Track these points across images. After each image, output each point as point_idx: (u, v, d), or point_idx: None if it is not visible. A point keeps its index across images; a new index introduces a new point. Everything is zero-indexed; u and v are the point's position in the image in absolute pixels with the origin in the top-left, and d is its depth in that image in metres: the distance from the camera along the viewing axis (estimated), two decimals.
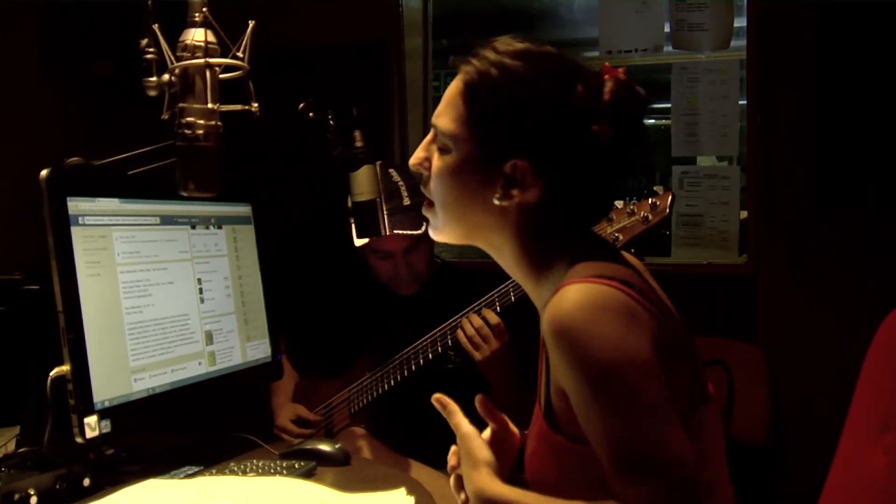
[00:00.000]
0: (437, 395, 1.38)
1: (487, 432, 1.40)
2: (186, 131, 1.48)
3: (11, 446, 1.81)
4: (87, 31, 3.18)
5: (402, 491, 1.60)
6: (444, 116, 1.32)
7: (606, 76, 1.28)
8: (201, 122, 1.48)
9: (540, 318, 1.31)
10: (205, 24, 1.49)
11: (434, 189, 1.35)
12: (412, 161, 1.38)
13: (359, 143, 1.94)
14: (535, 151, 1.26)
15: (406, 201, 2.37)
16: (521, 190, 1.26)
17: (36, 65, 3.19)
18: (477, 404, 1.39)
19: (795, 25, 3.00)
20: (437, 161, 1.33)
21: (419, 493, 1.61)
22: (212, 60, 1.48)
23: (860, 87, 2.92)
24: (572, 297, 1.15)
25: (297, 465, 1.72)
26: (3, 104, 3.04)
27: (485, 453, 1.30)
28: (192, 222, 1.82)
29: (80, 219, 1.54)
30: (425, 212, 1.40)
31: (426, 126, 3.65)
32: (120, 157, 1.68)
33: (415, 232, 2.35)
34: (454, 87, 1.32)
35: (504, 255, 1.35)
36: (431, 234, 1.41)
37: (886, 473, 1.30)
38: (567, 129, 1.25)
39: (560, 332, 1.14)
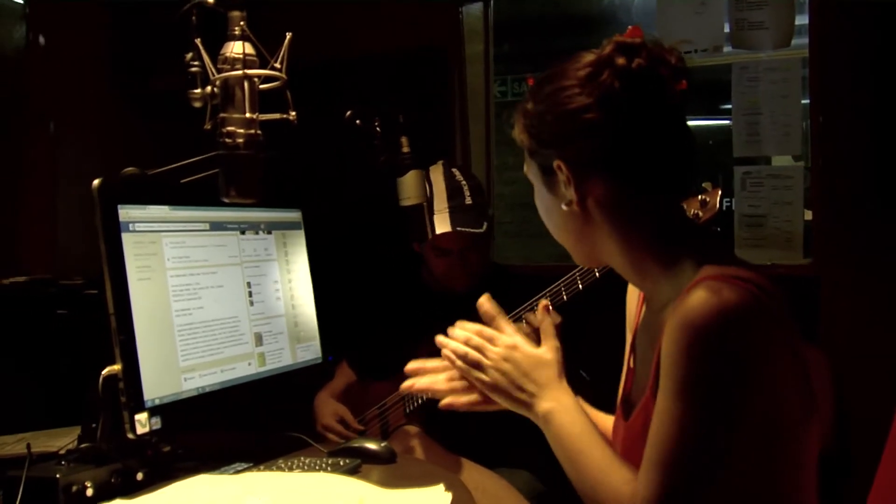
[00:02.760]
0: (482, 300, 1.47)
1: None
2: (227, 140, 1.55)
3: (72, 445, 1.90)
4: (151, 48, 3.31)
5: (441, 487, 1.63)
6: (524, 163, 1.43)
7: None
8: (241, 130, 1.55)
9: (652, 314, 1.37)
10: (243, 38, 1.55)
11: (544, 221, 1.44)
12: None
13: (405, 149, 1.99)
14: (563, 144, 1.32)
15: (468, 200, 2.43)
16: (574, 186, 1.31)
17: (104, 80, 3.33)
18: (539, 312, 1.47)
19: (857, 22, 2.94)
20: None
21: (458, 489, 1.64)
22: (250, 72, 1.54)
23: None
24: (706, 296, 1.17)
25: (342, 463, 1.77)
26: (74, 117, 3.19)
27: (554, 355, 1.38)
28: (242, 228, 1.89)
29: (130, 225, 1.62)
30: None
31: (488, 132, 3.68)
32: (172, 166, 1.76)
33: (476, 230, 2.41)
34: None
35: (617, 263, 1.38)
36: (578, 264, 1.52)
37: None
38: (572, 106, 1.29)
39: (686, 331, 1.16)
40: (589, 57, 1.32)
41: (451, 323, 2.53)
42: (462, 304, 2.55)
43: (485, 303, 1.48)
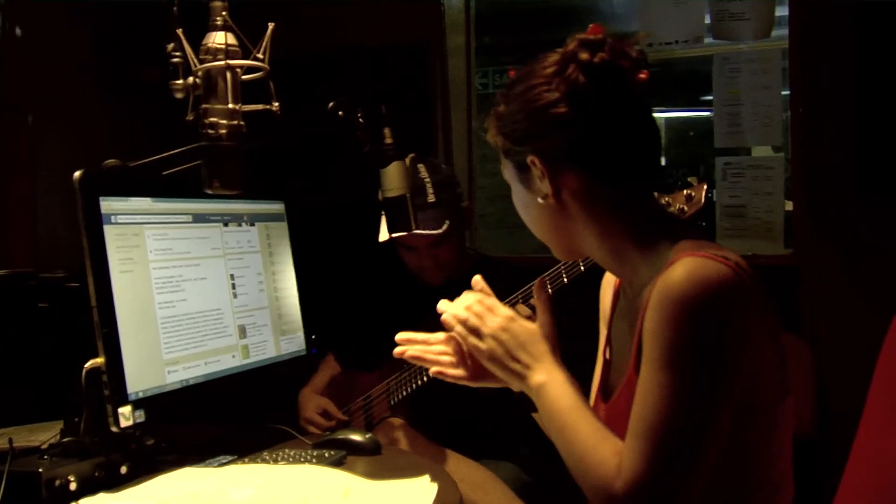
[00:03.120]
0: (475, 279, 1.51)
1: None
2: (210, 131, 1.53)
3: (54, 440, 1.89)
4: (134, 41, 3.29)
5: (426, 478, 1.63)
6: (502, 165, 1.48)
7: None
8: (224, 121, 1.54)
9: (630, 299, 1.41)
10: (226, 28, 1.54)
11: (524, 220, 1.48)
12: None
13: (388, 140, 1.98)
14: (532, 139, 1.36)
15: (431, 198, 2.41)
16: (549, 180, 1.36)
17: (87, 73, 3.31)
18: (535, 289, 1.50)
19: (837, 13, 2.96)
20: None
21: (443, 480, 1.64)
22: (232, 62, 1.53)
23: None
24: (687, 269, 1.21)
25: (327, 455, 1.77)
26: (55, 110, 3.16)
27: (550, 330, 1.41)
28: (225, 220, 1.88)
29: (112, 217, 1.61)
30: None
31: (470, 124, 3.68)
32: (154, 158, 1.74)
33: (435, 232, 2.38)
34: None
35: (596, 252, 1.42)
36: (558, 258, 1.53)
37: None
38: (540, 102, 1.34)
39: (669, 302, 1.20)
40: (554, 56, 1.37)
41: (437, 314, 2.54)
42: (447, 295, 2.56)
43: (479, 282, 1.51)
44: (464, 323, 1.45)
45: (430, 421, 2.48)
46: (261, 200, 1.99)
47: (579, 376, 1.48)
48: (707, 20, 3.22)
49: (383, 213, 2.13)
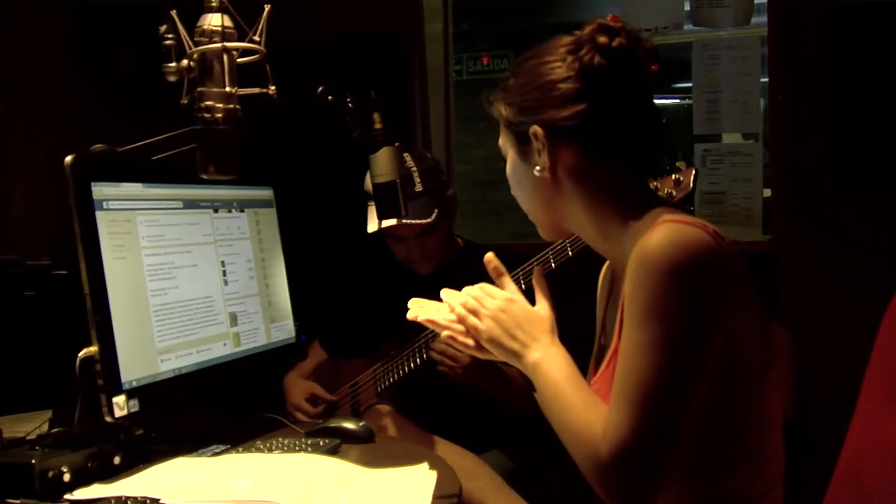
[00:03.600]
0: (488, 256, 1.51)
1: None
2: (205, 115, 1.51)
3: (45, 428, 1.86)
4: (109, 26, 3.23)
5: (425, 466, 1.62)
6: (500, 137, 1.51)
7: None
8: (220, 105, 1.51)
9: (620, 280, 1.42)
10: (221, 9, 1.51)
11: (516, 196, 1.51)
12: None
13: (377, 126, 1.95)
14: (535, 112, 1.39)
15: (418, 187, 2.39)
16: (548, 153, 1.38)
17: (61, 59, 3.24)
18: (534, 275, 1.51)
19: (817, 1, 2.98)
20: None
21: (441, 468, 1.63)
22: (229, 45, 1.51)
23: (882, 61, 2.90)
24: (665, 233, 1.23)
25: (321, 443, 1.75)
26: (31, 97, 3.10)
27: (548, 312, 1.43)
28: (215, 206, 1.85)
29: (104, 203, 1.58)
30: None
31: (448, 111, 3.66)
32: (143, 142, 1.71)
33: (424, 221, 2.37)
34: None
35: (585, 231, 1.45)
36: (541, 235, 1.55)
37: None
38: (553, 76, 1.38)
39: (646, 262, 1.22)
40: (568, 37, 1.40)
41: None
42: (434, 282, 2.55)
43: (492, 259, 1.51)
44: (463, 304, 1.46)
45: (417, 408, 2.47)
46: (250, 186, 1.96)
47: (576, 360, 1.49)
48: (687, 7, 3.23)
49: (373, 200, 2.11)
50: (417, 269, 2.50)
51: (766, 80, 3.14)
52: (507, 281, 1.50)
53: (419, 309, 1.55)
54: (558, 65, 1.37)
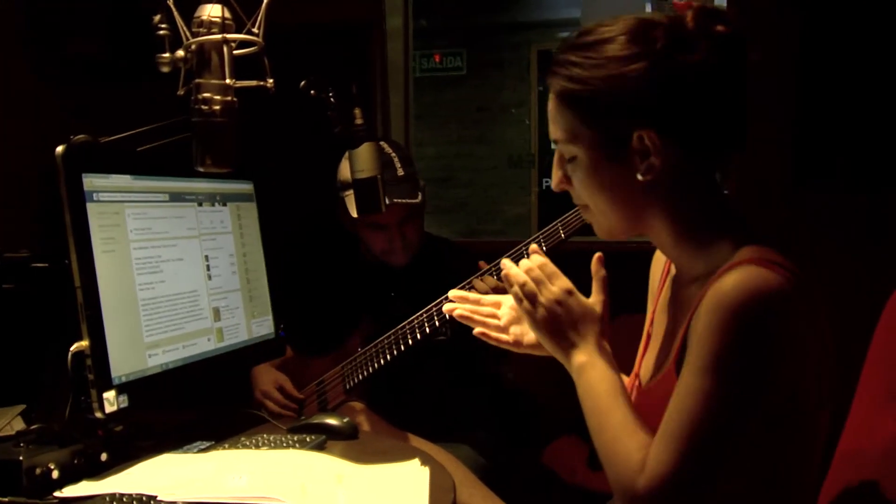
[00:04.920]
0: (533, 247, 1.47)
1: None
2: (203, 107, 1.49)
3: (15, 424, 1.81)
4: (67, 12, 3.15)
5: (416, 462, 1.62)
6: (560, 130, 1.35)
7: (682, 9, 1.29)
8: (217, 97, 1.49)
9: (679, 287, 1.39)
10: (221, 0, 1.49)
11: (585, 196, 1.38)
12: (554, 187, 1.42)
13: (359, 121, 1.95)
14: (650, 114, 1.27)
15: (400, 172, 2.40)
16: (657, 156, 1.28)
17: (17, 47, 3.15)
18: (594, 265, 1.44)
19: (777, 4, 3.04)
20: (573, 173, 1.37)
21: (432, 464, 1.64)
22: (228, 36, 1.49)
23: (842, 64, 2.98)
24: (743, 278, 1.18)
25: (308, 439, 1.74)
26: None
27: (601, 310, 1.39)
28: (199, 199, 1.82)
29: (94, 195, 1.54)
30: (586, 216, 1.43)
31: (407, 107, 3.66)
32: (128, 133, 1.68)
33: (412, 201, 2.38)
34: (553, 101, 1.36)
35: (660, 233, 1.37)
36: (600, 235, 1.43)
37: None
38: (666, 76, 1.25)
39: (720, 310, 1.18)
40: (658, 21, 1.29)
41: (390, 297, 2.53)
42: (401, 279, 2.56)
43: (537, 249, 1.47)
44: (522, 287, 1.41)
45: (386, 404, 2.46)
46: (231, 180, 1.94)
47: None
48: (648, 8, 3.28)
49: (348, 194, 2.10)
50: (394, 260, 2.50)
51: None
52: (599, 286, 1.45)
53: (459, 302, 1.53)
54: (654, 58, 1.25)
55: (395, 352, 2.36)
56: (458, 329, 2.25)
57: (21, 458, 1.43)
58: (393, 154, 2.44)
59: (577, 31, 1.35)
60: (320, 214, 2.70)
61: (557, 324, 1.38)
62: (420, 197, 2.45)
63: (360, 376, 2.45)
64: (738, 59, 1.29)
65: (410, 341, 2.33)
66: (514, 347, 1.50)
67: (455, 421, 2.51)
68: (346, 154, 1.91)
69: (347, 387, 2.48)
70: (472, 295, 1.58)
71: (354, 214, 2.35)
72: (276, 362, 2.60)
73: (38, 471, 1.45)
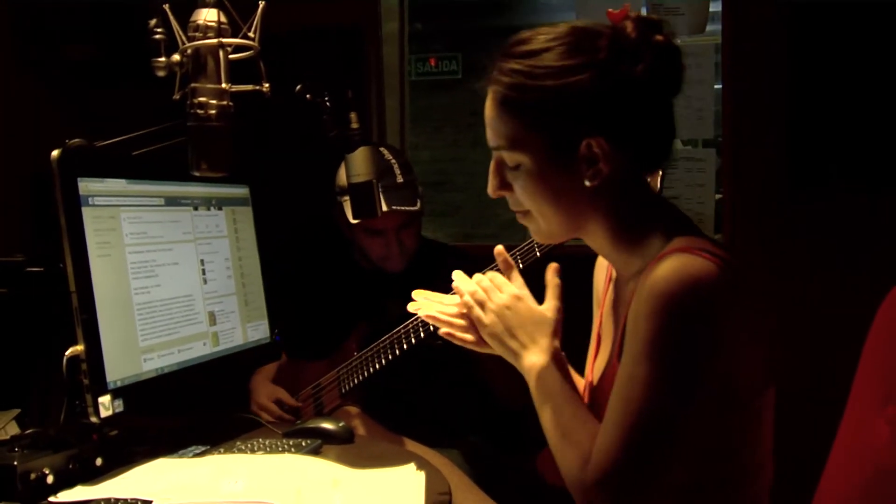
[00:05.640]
0: (498, 249, 1.50)
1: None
2: (199, 111, 1.49)
3: (10, 428, 1.81)
4: (64, 16, 3.15)
5: (412, 466, 1.62)
6: (502, 138, 1.35)
7: (618, 20, 1.32)
8: (213, 101, 1.49)
9: (621, 287, 1.41)
10: (217, 5, 1.49)
11: (527, 203, 1.38)
12: (491, 192, 1.42)
13: (354, 125, 1.95)
14: (598, 122, 1.28)
15: (399, 179, 2.40)
16: (605, 163, 1.29)
17: (13, 51, 3.15)
18: (547, 274, 1.47)
19: (770, 11, 3.05)
20: (514, 179, 1.37)
21: (428, 468, 1.63)
22: (224, 40, 1.49)
23: (831, 68, 2.99)
24: (675, 266, 1.21)
25: (303, 444, 1.74)
26: None
27: (553, 315, 1.41)
28: (195, 203, 1.82)
29: (90, 199, 1.54)
30: (524, 221, 1.44)
31: (403, 111, 3.66)
32: (123, 137, 1.68)
33: (411, 208, 2.39)
34: (493, 109, 1.36)
35: (597, 237, 1.39)
36: (538, 239, 1.46)
37: (889, 444, 1.35)
38: (613, 84, 1.27)
39: (653, 296, 1.21)
40: (600, 31, 1.30)
41: (386, 301, 2.53)
42: (396, 283, 2.55)
43: (502, 252, 1.51)
44: (472, 294, 1.45)
45: (381, 409, 2.46)
46: (227, 184, 1.94)
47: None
48: (644, 11, 3.27)
49: (346, 198, 2.10)
50: (390, 266, 2.50)
51: (719, 87, 3.20)
52: (516, 275, 1.49)
53: (420, 304, 1.54)
54: (600, 68, 1.26)
55: (390, 356, 2.36)
56: None
57: (16, 462, 1.43)
58: (393, 160, 2.45)
59: (515, 37, 1.35)
60: (316, 219, 2.70)
61: (507, 327, 1.41)
62: (419, 204, 2.45)
63: (356, 380, 2.45)
64: (677, 67, 1.32)
65: (406, 346, 2.33)
66: (478, 347, 1.50)
67: (450, 425, 2.51)
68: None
69: (343, 391, 2.48)
70: (436, 295, 1.59)
71: (354, 219, 2.35)
72: (272, 367, 2.61)
73: (32, 476, 1.45)
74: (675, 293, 1.19)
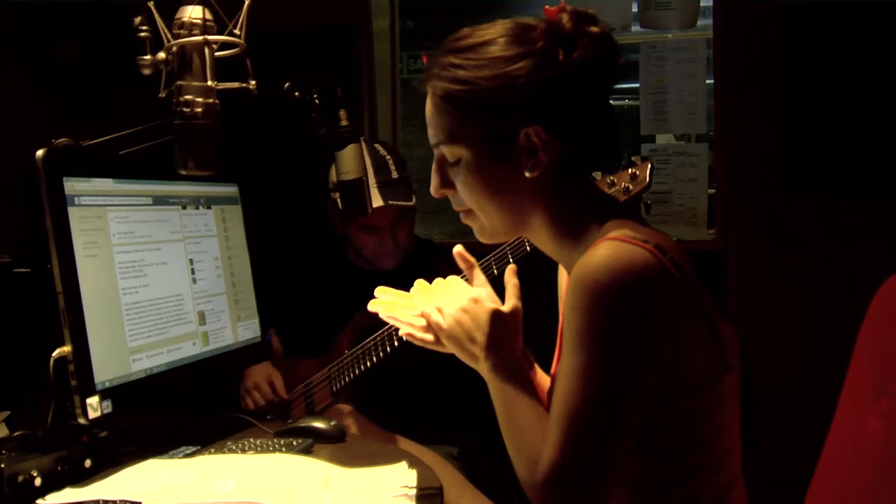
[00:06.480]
0: (458, 250, 1.48)
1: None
2: (185, 109, 1.48)
3: (0, 430, 1.79)
4: (50, 16, 3.13)
5: (404, 465, 1.61)
6: (443, 133, 1.35)
7: (554, 14, 1.32)
8: (199, 99, 1.48)
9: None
10: (202, 2, 1.48)
11: (468, 199, 1.37)
12: (433, 192, 1.41)
13: (344, 123, 1.93)
14: (536, 111, 1.29)
15: (394, 174, 2.40)
16: (543, 152, 1.29)
17: None
18: (506, 275, 1.45)
19: (762, 5, 3.05)
20: (456, 176, 1.36)
21: (419, 466, 1.63)
22: (210, 38, 1.47)
23: (827, 64, 2.98)
24: (602, 253, 1.19)
25: (294, 443, 1.73)
26: None
27: (512, 315, 1.38)
28: (183, 202, 1.81)
29: (76, 199, 1.53)
30: (468, 220, 1.42)
31: (395, 108, 3.65)
32: (110, 136, 1.66)
33: (407, 203, 2.39)
34: (432, 104, 1.35)
35: (541, 233, 1.38)
36: (481, 239, 1.43)
37: (881, 438, 1.34)
38: (550, 73, 1.27)
39: (582, 285, 1.18)
40: (536, 24, 1.31)
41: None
42: (388, 280, 2.54)
43: (462, 251, 1.49)
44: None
45: (373, 406, 2.45)
46: (215, 183, 1.92)
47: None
48: (634, 9, 3.27)
49: (337, 196, 2.09)
50: (384, 262, 2.50)
51: (711, 81, 3.20)
52: (477, 273, 1.48)
53: (381, 304, 1.53)
54: (538, 57, 1.26)
55: (381, 354, 2.35)
56: None
57: (2, 465, 1.42)
58: (388, 156, 2.45)
59: (454, 35, 1.35)
60: (306, 216, 2.69)
61: (465, 330, 1.38)
62: (414, 199, 2.45)
63: (347, 379, 2.44)
64: (613, 57, 1.32)
65: (397, 343, 2.32)
66: (438, 348, 1.49)
67: (443, 423, 2.50)
68: None
69: (334, 389, 2.47)
70: (402, 294, 1.57)
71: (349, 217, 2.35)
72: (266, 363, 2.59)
73: (20, 478, 1.44)
74: (601, 281, 1.17)
